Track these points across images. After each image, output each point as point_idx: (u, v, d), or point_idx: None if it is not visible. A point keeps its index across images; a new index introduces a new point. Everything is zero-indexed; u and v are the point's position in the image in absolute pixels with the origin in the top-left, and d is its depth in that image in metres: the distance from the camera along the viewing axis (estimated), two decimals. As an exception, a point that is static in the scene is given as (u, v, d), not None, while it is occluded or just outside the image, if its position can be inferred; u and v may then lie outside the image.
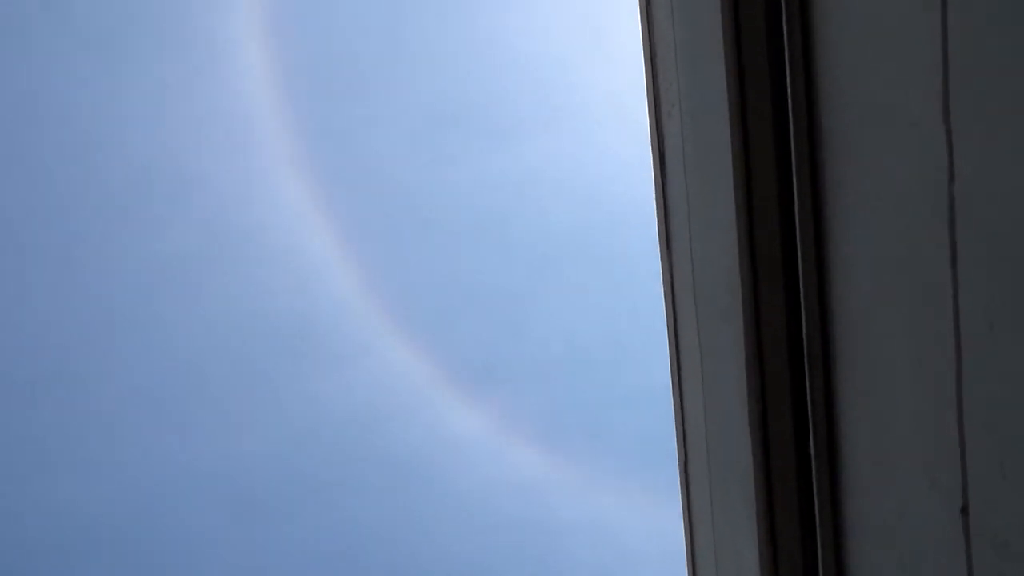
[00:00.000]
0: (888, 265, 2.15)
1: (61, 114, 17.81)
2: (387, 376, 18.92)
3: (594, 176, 19.04)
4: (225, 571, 19.34)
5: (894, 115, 2.10)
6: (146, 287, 18.38)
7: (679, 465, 3.96)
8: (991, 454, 1.83)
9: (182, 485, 18.81)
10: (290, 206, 18.49)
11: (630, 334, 18.72)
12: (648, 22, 3.55)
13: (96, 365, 18.47)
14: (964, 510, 1.92)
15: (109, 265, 18.20)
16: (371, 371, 18.91)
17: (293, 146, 18.38)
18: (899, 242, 2.08)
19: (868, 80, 2.24)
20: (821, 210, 2.43)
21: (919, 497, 2.11)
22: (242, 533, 18.99)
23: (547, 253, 19.18)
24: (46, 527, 18.30)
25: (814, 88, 2.44)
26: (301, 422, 18.99)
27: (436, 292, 19.22)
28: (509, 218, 19.20)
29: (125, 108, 17.93)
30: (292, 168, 18.38)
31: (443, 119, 18.79)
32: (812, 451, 2.77)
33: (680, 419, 3.93)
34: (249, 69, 18.00)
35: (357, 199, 18.94)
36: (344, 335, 18.86)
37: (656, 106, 3.81)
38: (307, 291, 18.71)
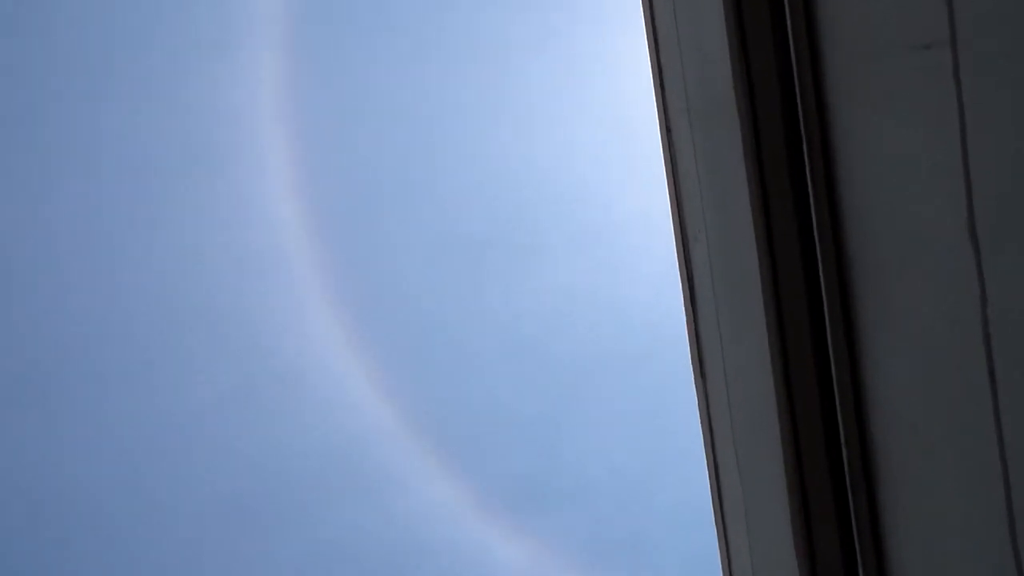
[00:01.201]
0: (926, 391, 2.13)
1: (90, 254, 18.14)
2: (426, 506, 18.74)
3: (626, 296, 19.09)
4: None
5: (921, 239, 2.11)
6: (179, 431, 18.42)
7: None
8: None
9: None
10: (322, 340, 18.61)
11: (667, 453, 18.51)
12: (671, 153, 3.62)
13: (132, 511, 18.41)
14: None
15: (141, 411, 18.28)
16: (409, 502, 18.75)
17: (323, 278, 18.59)
18: (935, 368, 2.06)
19: (892, 204, 2.26)
20: (854, 335, 2.42)
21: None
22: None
23: (581, 375, 19.12)
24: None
25: (839, 214, 2.46)
26: (342, 556, 18.77)
27: (471, 419, 19.14)
28: (541, 341, 19.22)
29: (154, 249, 18.26)
30: (323, 301, 18.56)
31: (472, 244, 18.99)
32: (862, 579, 2.71)
33: (724, 542, 3.87)
34: (277, 203, 18.34)
35: (390, 329, 19.06)
36: (381, 467, 18.76)
37: (682, 232, 3.85)
38: (342, 425, 18.69)
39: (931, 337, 2.13)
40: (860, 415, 2.44)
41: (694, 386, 3.94)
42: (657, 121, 4.02)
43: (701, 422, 3.93)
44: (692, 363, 3.69)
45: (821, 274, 2.51)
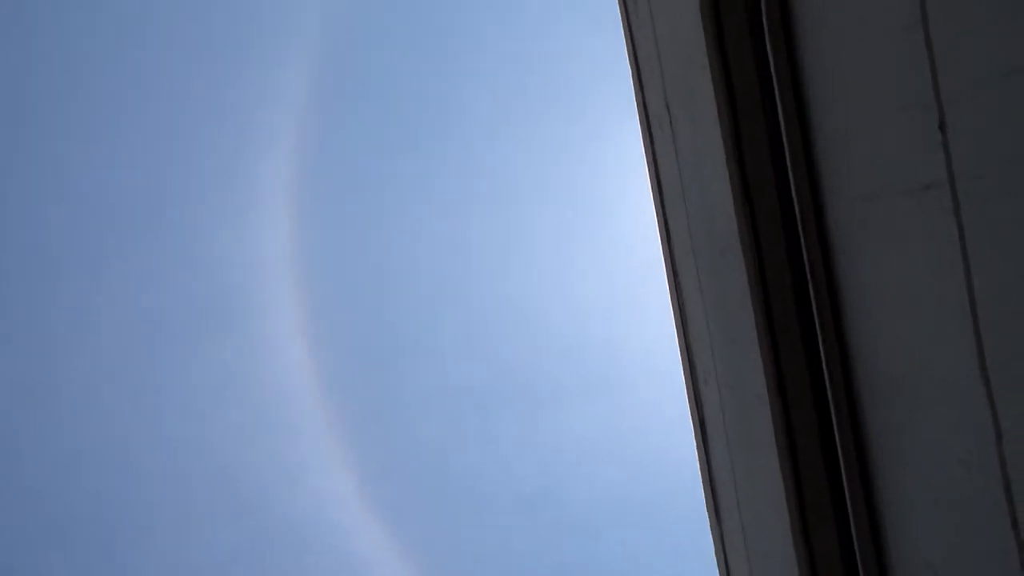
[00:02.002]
0: (949, 541, 2.08)
1: (100, 412, 18.08)
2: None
3: (638, 441, 18.89)
4: None
5: (932, 380, 2.10)
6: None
7: None
8: None
9: None
10: (333, 495, 18.36)
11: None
12: (678, 296, 3.63)
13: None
14: None
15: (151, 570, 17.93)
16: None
17: (334, 432, 18.46)
18: (956, 513, 2.02)
19: (902, 344, 2.26)
20: (869, 478, 2.39)
21: None
22: None
23: (596, 521, 18.78)
24: None
25: (848, 355, 2.45)
26: None
27: (486, 571, 18.71)
28: (556, 488, 18.94)
29: (164, 403, 18.21)
30: (333, 456, 18.38)
31: (481, 394, 18.91)
32: None
33: None
34: (290, 362, 18.36)
35: (401, 481, 18.81)
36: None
37: (692, 375, 3.83)
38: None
39: (951, 482, 2.10)
40: (882, 568, 2.39)
41: (710, 530, 3.87)
42: (663, 264, 4.06)
43: (718, 567, 3.84)
44: (707, 506, 3.63)
45: (833, 414, 2.49)
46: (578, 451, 18.84)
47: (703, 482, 3.82)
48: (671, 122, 3.85)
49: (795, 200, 2.73)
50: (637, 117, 4.36)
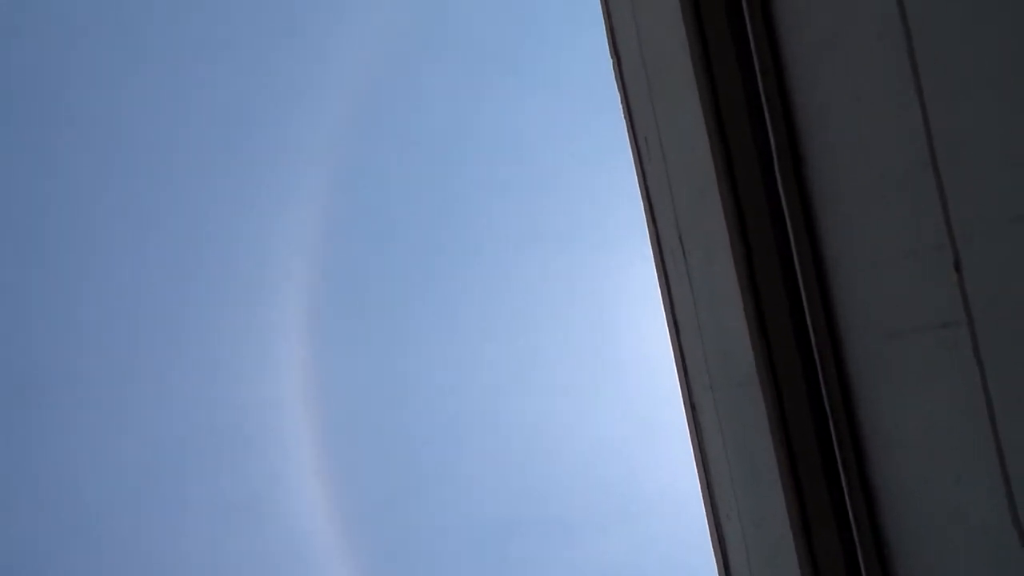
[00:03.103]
0: None
1: (115, 539, 17.85)
2: None
3: (661, 574, 18.48)
4: None
5: (961, 523, 2.06)
6: None
7: None
8: None
9: None
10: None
11: None
12: (698, 432, 3.60)
13: None
14: None
15: None
16: None
17: (356, 569, 18.13)
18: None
19: (927, 488, 2.22)
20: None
21: None
22: None
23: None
24: None
25: (872, 496, 2.41)
26: None
27: None
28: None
29: (180, 532, 17.97)
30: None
31: (501, 526, 18.62)
32: None
33: None
34: (310, 494, 18.16)
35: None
36: None
37: (714, 512, 3.77)
38: None
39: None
40: None
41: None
42: (681, 398, 4.03)
43: None
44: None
45: (860, 557, 2.43)
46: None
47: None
48: (684, 255, 3.87)
49: (812, 336, 2.72)
50: (651, 250, 4.39)
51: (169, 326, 17.93)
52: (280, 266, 17.97)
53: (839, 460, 2.54)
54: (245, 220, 17.95)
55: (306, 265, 18.01)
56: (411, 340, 18.75)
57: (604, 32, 4.21)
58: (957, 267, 2.01)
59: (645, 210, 4.16)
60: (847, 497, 2.50)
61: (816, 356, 2.67)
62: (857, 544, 2.44)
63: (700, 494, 3.98)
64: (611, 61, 3.96)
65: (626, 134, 4.06)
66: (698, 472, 3.88)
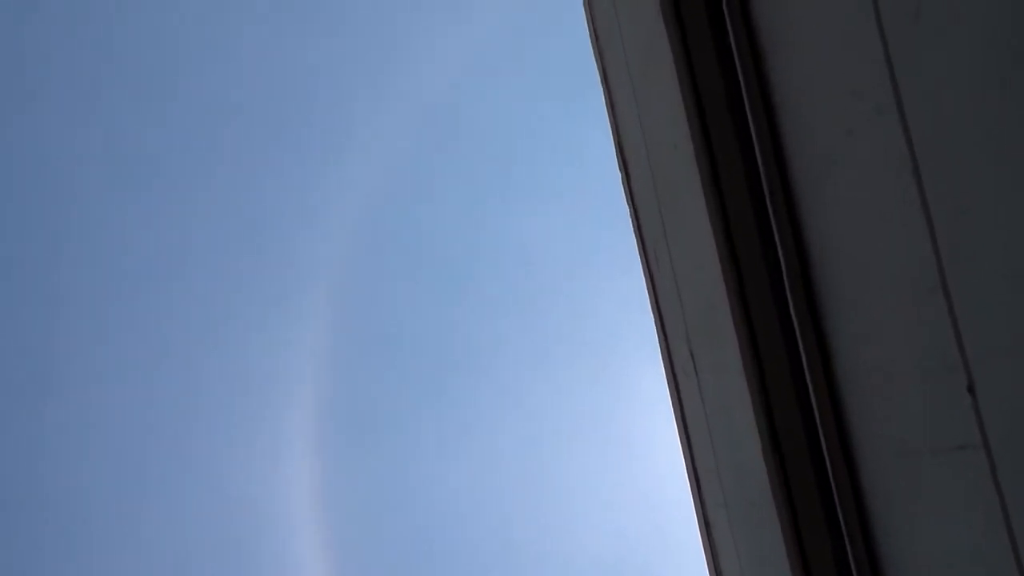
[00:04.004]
0: None
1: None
2: None
3: None
4: None
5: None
6: None
7: None
8: None
9: None
10: None
11: None
12: (714, 555, 3.52)
13: None
14: None
15: None
16: None
17: None
18: None
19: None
20: None
21: None
22: None
23: None
24: None
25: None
26: None
27: None
28: None
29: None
30: None
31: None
32: None
33: None
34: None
35: None
36: None
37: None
38: None
39: None
40: None
41: None
42: (695, 516, 3.96)
43: None
44: None
45: None
46: None
47: None
48: (695, 369, 3.84)
49: (826, 454, 2.68)
50: (662, 362, 4.36)
51: (177, 442, 17.88)
52: (288, 380, 17.97)
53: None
54: (254, 334, 18.00)
55: (315, 380, 18.00)
56: (421, 455, 18.63)
57: (613, 144, 4.26)
58: (971, 390, 1.98)
59: (656, 323, 4.15)
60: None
61: (831, 475, 2.62)
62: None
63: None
64: (620, 175, 4.00)
65: (636, 246, 4.07)
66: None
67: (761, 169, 2.60)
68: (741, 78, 2.54)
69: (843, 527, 2.63)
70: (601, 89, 4.03)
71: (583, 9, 4.10)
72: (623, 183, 4.04)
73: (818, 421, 2.66)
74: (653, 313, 4.17)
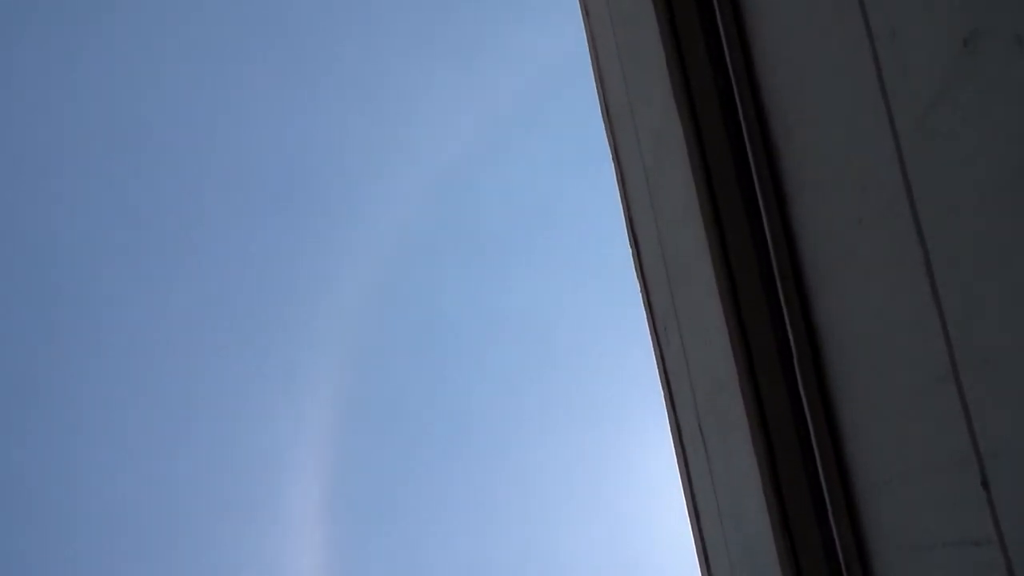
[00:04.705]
0: None
1: None
2: None
3: None
4: None
5: None
6: None
7: None
8: None
9: None
10: None
11: None
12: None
13: None
14: None
15: None
16: None
17: None
18: None
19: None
20: None
21: None
22: None
23: None
24: None
25: None
26: None
27: None
28: None
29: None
30: None
31: None
32: None
33: None
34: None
35: None
36: None
37: None
38: None
39: None
40: None
41: None
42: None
43: None
44: None
45: None
46: None
47: None
48: (704, 444, 3.82)
49: (837, 542, 2.66)
50: (670, 435, 4.35)
51: (180, 514, 17.79)
52: (294, 449, 17.91)
53: None
54: (257, 403, 17.97)
55: (321, 448, 17.94)
56: (430, 523, 18.50)
57: (623, 218, 4.28)
58: (984, 484, 1.96)
59: (664, 396, 4.14)
60: None
61: (842, 566, 2.60)
62: None
63: None
64: (630, 250, 4.02)
65: (645, 320, 4.07)
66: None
67: (772, 253, 2.61)
68: (753, 168, 2.56)
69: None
70: (612, 165, 4.07)
71: (595, 86, 4.14)
72: (633, 257, 4.05)
73: (829, 510, 2.65)
74: (662, 386, 4.16)
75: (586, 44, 4.16)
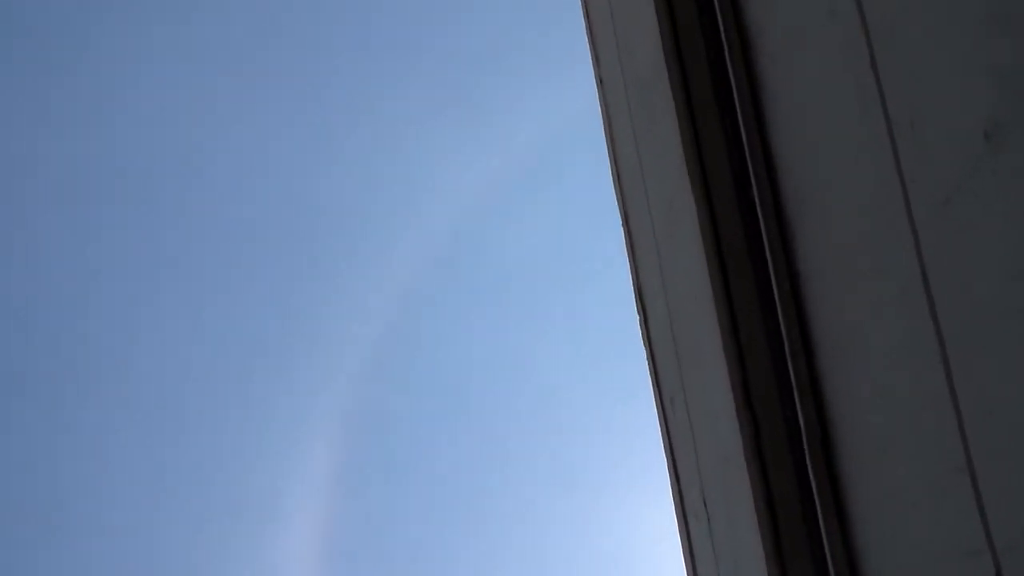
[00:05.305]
0: None
1: None
2: None
3: None
4: None
5: None
6: None
7: None
8: None
9: None
10: None
11: None
12: None
13: None
14: None
15: None
16: None
17: None
18: None
19: None
20: None
21: None
22: None
23: None
24: None
25: None
26: None
27: None
28: None
29: None
30: None
31: None
32: None
33: None
34: None
35: None
36: None
37: None
38: None
39: None
40: None
41: None
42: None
43: None
44: None
45: None
46: None
47: None
48: (708, 518, 3.78)
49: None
50: (673, 505, 4.30)
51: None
52: (293, 507, 17.80)
53: None
54: (258, 460, 17.88)
55: (321, 508, 17.82)
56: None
57: (631, 284, 4.27)
58: (999, 578, 1.94)
59: (669, 468, 4.10)
60: None
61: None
62: None
63: None
64: (638, 317, 4.00)
65: (651, 390, 4.05)
66: None
67: (784, 334, 2.60)
68: (766, 243, 2.56)
69: None
70: (622, 229, 4.06)
71: (607, 150, 4.16)
72: (640, 325, 4.04)
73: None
74: (666, 457, 4.12)
75: (599, 111, 4.18)
